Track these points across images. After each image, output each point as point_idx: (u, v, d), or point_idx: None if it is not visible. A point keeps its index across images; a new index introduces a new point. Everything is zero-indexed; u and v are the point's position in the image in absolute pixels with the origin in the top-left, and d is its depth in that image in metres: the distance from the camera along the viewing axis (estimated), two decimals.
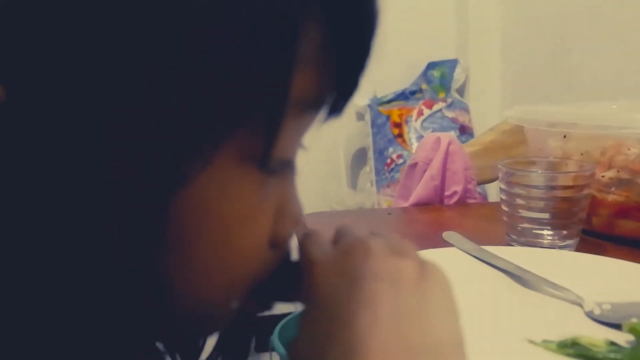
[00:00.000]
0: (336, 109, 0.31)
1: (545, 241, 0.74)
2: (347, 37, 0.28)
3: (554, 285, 0.59)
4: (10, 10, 0.23)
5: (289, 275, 0.35)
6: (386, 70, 1.89)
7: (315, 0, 0.27)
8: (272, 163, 0.29)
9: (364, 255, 0.33)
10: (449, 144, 1.02)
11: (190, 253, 0.29)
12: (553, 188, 0.73)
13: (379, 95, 1.92)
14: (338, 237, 0.36)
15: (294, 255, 0.36)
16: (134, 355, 0.28)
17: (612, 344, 0.46)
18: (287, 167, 0.32)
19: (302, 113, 0.29)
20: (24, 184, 0.24)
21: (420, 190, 1.01)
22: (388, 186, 1.83)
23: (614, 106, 0.92)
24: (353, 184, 2.04)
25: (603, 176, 0.78)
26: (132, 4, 0.23)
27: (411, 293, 0.32)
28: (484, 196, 1.28)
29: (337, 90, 0.30)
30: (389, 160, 1.88)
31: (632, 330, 0.47)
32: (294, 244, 0.37)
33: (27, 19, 0.23)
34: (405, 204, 1.03)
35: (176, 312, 0.31)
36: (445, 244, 0.71)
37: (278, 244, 0.33)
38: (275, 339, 1.78)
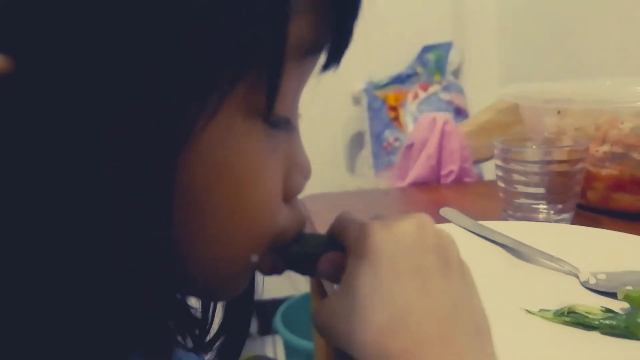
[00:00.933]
0: (334, 58, 0.31)
1: (541, 215, 0.74)
2: None
3: (550, 257, 0.59)
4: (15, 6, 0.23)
5: (312, 246, 0.36)
6: (382, 54, 1.88)
7: None
8: (277, 115, 0.29)
9: (419, 228, 0.33)
10: (445, 123, 1.02)
11: (206, 212, 0.29)
12: (548, 163, 0.73)
13: (374, 80, 1.91)
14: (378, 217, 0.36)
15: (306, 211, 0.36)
16: (150, 332, 0.28)
17: (608, 311, 0.47)
18: (290, 124, 0.32)
19: (302, 61, 0.29)
20: (32, 154, 0.24)
21: (417, 170, 1.01)
22: (386, 169, 1.83)
23: (608, 82, 0.91)
24: (351, 167, 2.04)
25: (597, 151, 0.78)
26: None
27: (457, 271, 0.33)
28: (480, 175, 1.27)
29: (333, 38, 0.30)
30: (385, 144, 1.88)
31: (626, 297, 0.47)
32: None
33: (30, 13, 0.23)
34: (403, 184, 1.03)
35: (198, 275, 0.31)
36: (443, 220, 0.71)
37: (290, 197, 0.34)
38: (278, 322, 1.80)
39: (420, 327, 0.30)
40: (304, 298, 1.68)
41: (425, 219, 0.34)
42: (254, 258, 0.32)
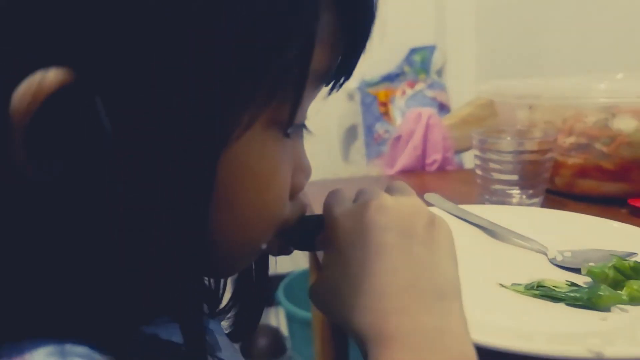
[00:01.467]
0: (340, 83, 0.33)
1: (514, 199, 0.73)
2: (352, 24, 0.30)
3: (522, 237, 0.59)
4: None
5: (310, 226, 0.37)
6: (373, 56, 1.86)
7: None
8: (293, 128, 0.31)
9: (378, 210, 0.33)
10: (429, 117, 1.02)
11: (232, 205, 0.30)
12: (521, 153, 0.72)
13: (367, 78, 1.90)
14: (357, 195, 0.36)
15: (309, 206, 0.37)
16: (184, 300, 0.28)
17: (572, 284, 0.46)
18: (298, 131, 0.34)
19: (316, 84, 0.31)
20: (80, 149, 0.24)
21: (405, 159, 1.01)
22: (376, 158, 1.82)
23: (574, 79, 0.91)
24: (345, 156, 2.03)
25: (564, 142, 0.77)
26: None
27: (420, 242, 0.32)
28: (460, 163, 1.27)
29: (342, 67, 0.31)
30: (376, 135, 1.87)
31: (589, 272, 0.47)
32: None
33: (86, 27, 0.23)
34: (392, 172, 1.03)
35: (219, 257, 0.31)
36: (427, 204, 0.71)
37: (295, 193, 0.35)
38: (280, 294, 1.81)
39: (382, 302, 0.30)
40: (304, 273, 1.68)
41: (385, 198, 0.34)
42: (264, 246, 0.34)
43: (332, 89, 0.33)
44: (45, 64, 0.22)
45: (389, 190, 0.36)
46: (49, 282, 0.25)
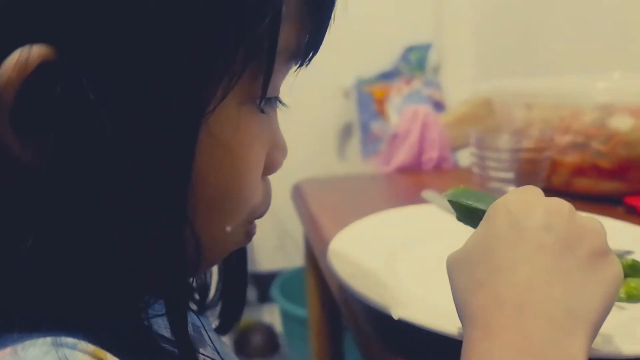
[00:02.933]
0: (309, 58, 0.33)
1: None
2: (316, 3, 0.31)
3: None
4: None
5: None
6: (369, 53, 1.88)
7: None
8: (266, 103, 0.31)
9: (553, 214, 0.30)
10: (426, 115, 1.02)
11: (211, 185, 0.29)
12: (518, 151, 0.73)
13: (363, 76, 1.90)
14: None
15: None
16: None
17: None
18: (273, 107, 0.34)
19: (286, 61, 0.31)
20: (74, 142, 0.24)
21: (401, 156, 1.01)
22: (372, 155, 1.82)
23: (571, 79, 0.91)
24: (341, 153, 2.03)
25: (561, 140, 0.78)
26: None
27: (577, 262, 0.29)
28: (456, 162, 1.27)
29: (310, 44, 0.32)
30: (372, 133, 1.87)
31: None
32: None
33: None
34: (389, 169, 1.03)
35: (195, 240, 0.30)
36: (424, 201, 0.71)
37: (269, 172, 0.35)
38: (275, 291, 1.80)
39: (502, 287, 0.28)
40: (299, 270, 1.68)
41: (566, 205, 0.32)
42: (228, 229, 0.33)
43: (301, 65, 0.33)
44: (28, 41, 0.23)
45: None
46: (44, 274, 0.25)
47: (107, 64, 0.24)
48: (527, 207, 0.31)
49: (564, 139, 0.78)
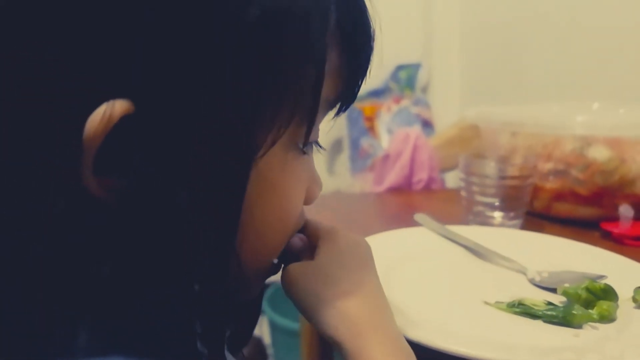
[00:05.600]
0: (345, 107, 0.39)
1: (496, 221, 0.79)
2: (354, 58, 0.35)
3: (504, 258, 0.64)
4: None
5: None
6: None
7: (335, 37, 0.33)
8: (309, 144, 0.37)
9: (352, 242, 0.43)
10: (417, 138, 1.07)
11: (257, 218, 0.34)
12: (503, 178, 0.78)
13: None
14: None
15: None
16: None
17: (549, 303, 0.51)
18: (311, 148, 0.40)
19: (326, 109, 0.37)
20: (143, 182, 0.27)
21: (393, 177, 1.06)
22: (361, 172, 1.87)
23: (554, 108, 0.97)
24: (330, 169, 2.08)
25: (543, 167, 0.83)
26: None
27: (370, 270, 0.42)
28: (443, 182, 1.33)
29: (347, 94, 0.37)
30: (361, 149, 1.92)
31: (564, 293, 0.53)
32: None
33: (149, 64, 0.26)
34: (380, 189, 1.08)
35: (242, 272, 0.34)
36: (416, 224, 0.76)
37: (309, 202, 0.41)
38: (264, 303, 1.83)
39: (359, 321, 0.37)
40: None
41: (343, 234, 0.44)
42: (275, 261, 0.39)
43: (338, 112, 0.39)
44: (111, 97, 0.26)
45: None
46: (113, 305, 0.28)
47: (177, 117, 0.27)
48: (334, 244, 0.43)
49: (546, 166, 0.83)
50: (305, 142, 0.35)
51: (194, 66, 0.27)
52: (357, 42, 0.35)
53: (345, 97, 0.37)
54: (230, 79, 0.28)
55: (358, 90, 0.38)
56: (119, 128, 0.26)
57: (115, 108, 0.26)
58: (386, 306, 0.40)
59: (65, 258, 0.27)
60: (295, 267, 0.40)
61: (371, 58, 0.37)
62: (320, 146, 0.41)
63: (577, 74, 1.23)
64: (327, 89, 0.34)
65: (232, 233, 0.31)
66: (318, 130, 0.39)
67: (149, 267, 0.28)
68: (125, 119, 0.26)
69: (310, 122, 0.33)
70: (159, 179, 0.27)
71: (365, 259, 0.43)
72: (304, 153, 0.36)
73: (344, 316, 0.37)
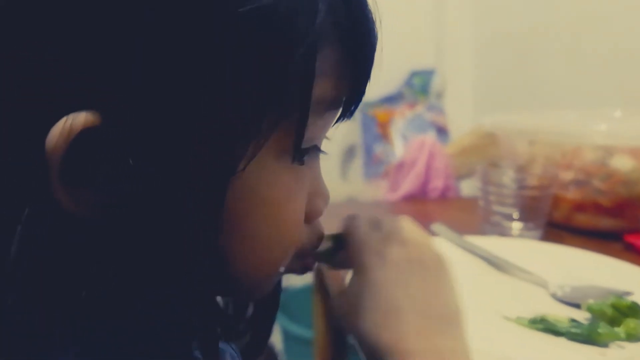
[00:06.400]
0: (350, 111, 0.35)
1: (514, 231, 0.77)
2: (355, 55, 0.32)
3: (524, 271, 0.62)
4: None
5: (335, 245, 0.41)
6: (374, 76, 1.90)
7: (329, 32, 0.30)
8: (303, 155, 0.33)
9: (401, 243, 0.38)
10: (432, 145, 1.05)
11: (247, 233, 0.32)
12: (522, 188, 0.76)
13: (367, 99, 1.93)
14: (378, 224, 0.41)
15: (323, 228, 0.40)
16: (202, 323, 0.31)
17: (573, 320, 0.49)
18: (315, 156, 0.36)
19: (325, 112, 0.33)
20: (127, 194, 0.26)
21: (408, 185, 1.04)
22: (374, 178, 1.85)
23: (573, 116, 0.95)
24: (343, 175, 2.06)
25: (564, 177, 0.81)
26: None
27: (432, 274, 0.38)
28: (458, 190, 1.31)
29: (350, 95, 0.33)
30: (375, 156, 1.90)
31: (589, 309, 0.51)
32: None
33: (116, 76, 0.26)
34: (395, 197, 1.06)
35: (240, 282, 0.34)
36: (433, 234, 0.74)
37: (311, 219, 0.37)
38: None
39: (404, 324, 0.35)
40: (301, 290, 1.70)
41: (405, 232, 0.39)
42: (281, 269, 0.36)
43: (342, 117, 0.35)
44: (78, 108, 0.25)
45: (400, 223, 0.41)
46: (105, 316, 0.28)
47: (146, 128, 0.26)
48: (381, 247, 0.39)
49: (566, 176, 0.81)
50: (297, 149, 0.31)
51: (162, 79, 0.26)
52: (356, 38, 0.32)
53: (349, 99, 0.34)
54: (198, 88, 0.26)
55: (363, 92, 0.34)
56: (83, 141, 0.25)
57: (76, 120, 0.25)
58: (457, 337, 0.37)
59: (64, 258, 0.27)
60: (337, 297, 0.40)
61: (373, 56, 0.33)
62: (321, 151, 0.36)
63: (596, 81, 1.20)
64: (323, 90, 0.31)
65: (212, 250, 0.30)
66: (319, 135, 0.35)
67: (137, 273, 0.28)
68: (89, 131, 0.25)
69: (300, 127, 0.30)
70: (132, 196, 0.26)
71: (431, 269, 0.39)
72: (300, 163, 0.33)
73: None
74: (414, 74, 1.95)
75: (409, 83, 1.96)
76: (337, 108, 0.34)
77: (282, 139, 0.31)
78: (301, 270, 0.40)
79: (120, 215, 0.27)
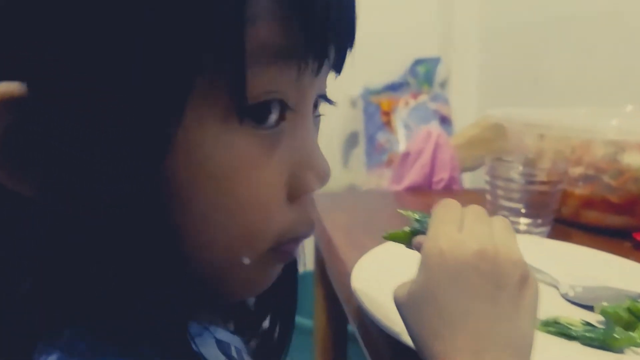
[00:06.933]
0: (317, 65, 0.30)
1: (521, 227, 0.75)
2: None
3: (534, 269, 0.60)
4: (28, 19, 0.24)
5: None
6: (377, 64, 1.88)
7: None
8: (255, 114, 0.28)
9: (481, 256, 0.33)
10: (438, 137, 1.03)
11: (197, 209, 0.28)
12: (530, 183, 0.74)
13: (370, 86, 1.91)
14: (465, 218, 0.37)
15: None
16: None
17: (587, 323, 0.48)
18: (298, 120, 0.31)
19: (273, 62, 0.28)
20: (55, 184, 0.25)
21: (413, 176, 1.03)
22: (377, 166, 1.84)
23: (583, 111, 0.93)
24: (345, 163, 2.05)
25: (573, 172, 0.79)
26: None
27: (509, 296, 0.33)
28: (461, 182, 1.29)
29: (307, 42, 0.28)
30: (377, 144, 1.88)
31: (603, 312, 0.49)
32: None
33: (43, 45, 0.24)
34: (399, 188, 1.04)
35: (203, 271, 0.30)
36: None
37: (297, 196, 0.32)
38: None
39: (458, 339, 0.32)
40: (304, 277, 1.69)
41: (488, 243, 0.34)
42: (247, 261, 0.31)
43: (317, 72, 0.30)
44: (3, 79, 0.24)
45: (491, 222, 0.37)
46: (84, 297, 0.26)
47: (69, 99, 0.25)
48: (457, 248, 0.34)
49: (576, 171, 0.79)
50: (239, 105, 0.27)
51: (84, 43, 0.24)
52: None
53: (308, 48, 0.28)
54: (114, 40, 0.24)
55: (325, 43, 0.29)
56: (12, 114, 0.24)
57: None
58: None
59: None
60: (401, 291, 0.36)
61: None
62: (290, 108, 0.30)
63: (606, 75, 1.18)
64: (262, 35, 0.27)
65: (161, 229, 0.27)
66: (306, 98, 0.31)
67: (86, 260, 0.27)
68: (18, 103, 0.24)
69: (237, 78, 0.26)
70: (65, 174, 0.25)
71: (505, 285, 0.33)
72: (256, 123, 0.28)
73: None
74: (418, 62, 1.93)
75: (412, 71, 1.94)
76: (289, 57, 0.28)
77: (223, 96, 0.27)
78: (279, 258, 0.34)
79: (58, 198, 0.25)
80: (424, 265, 0.35)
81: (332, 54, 0.31)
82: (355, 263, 0.59)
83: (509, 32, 1.60)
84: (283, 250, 0.33)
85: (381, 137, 1.88)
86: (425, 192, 1.02)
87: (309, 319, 1.37)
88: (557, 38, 1.35)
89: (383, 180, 1.74)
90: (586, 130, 0.78)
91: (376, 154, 1.86)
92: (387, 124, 1.89)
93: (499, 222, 0.37)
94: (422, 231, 0.39)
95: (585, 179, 0.79)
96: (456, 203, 0.39)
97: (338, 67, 0.33)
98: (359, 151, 1.95)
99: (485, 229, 0.36)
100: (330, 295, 0.96)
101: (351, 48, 0.32)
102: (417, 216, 0.41)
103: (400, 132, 1.84)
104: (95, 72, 0.24)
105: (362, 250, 0.66)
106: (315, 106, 0.35)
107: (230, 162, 0.28)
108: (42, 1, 0.24)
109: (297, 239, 0.34)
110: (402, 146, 1.80)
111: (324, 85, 0.35)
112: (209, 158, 0.27)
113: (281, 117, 0.30)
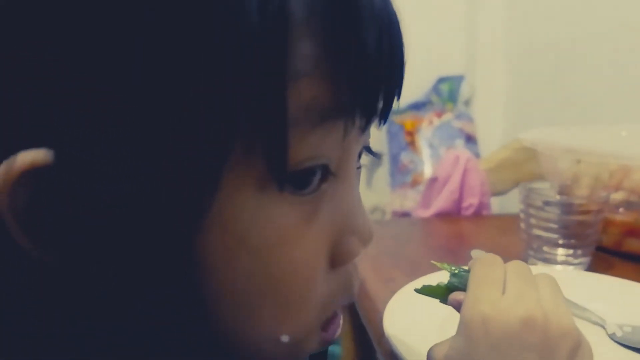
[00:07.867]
0: (367, 121, 0.27)
1: (559, 258, 0.72)
2: (343, 47, 0.24)
3: (577, 307, 0.57)
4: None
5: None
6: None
7: (301, 17, 0.23)
8: (298, 181, 0.26)
9: (526, 324, 0.31)
10: (467, 161, 1.00)
11: (230, 286, 0.26)
12: (568, 212, 0.71)
13: (394, 106, 1.90)
14: (507, 280, 0.34)
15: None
16: None
17: None
18: (339, 182, 0.28)
19: (321, 124, 0.25)
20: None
21: (441, 202, 0.99)
22: (401, 187, 1.81)
23: (623, 133, 0.89)
24: (369, 184, 2.02)
25: (613, 198, 0.76)
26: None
27: None
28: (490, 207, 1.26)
29: (357, 100, 0.26)
30: (401, 165, 1.85)
31: None
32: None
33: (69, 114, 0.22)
34: (427, 214, 1.01)
35: (233, 348, 0.28)
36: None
37: (342, 263, 0.29)
38: None
39: None
40: None
41: (536, 309, 0.31)
42: (285, 338, 0.27)
43: (365, 128, 0.28)
44: (31, 146, 0.22)
45: (536, 281, 0.34)
46: None
47: (98, 170, 0.22)
48: (501, 316, 0.31)
49: (616, 197, 0.76)
50: (280, 174, 0.24)
51: (108, 109, 0.22)
52: (341, 31, 0.24)
53: (358, 107, 0.26)
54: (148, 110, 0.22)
55: (376, 99, 0.26)
56: (34, 181, 0.22)
57: (17, 160, 0.22)
58: None
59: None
60: (439, 352, 0.34)
61: (380, 48, 0.25)
62: (331, 173, 0.27)
63: (636, 91, 1.14)
64: (307, 95, 0.24)
65: (190, 304, 0.25)
66: (330, 154, 0.27)
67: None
68: (41, 171, 0.22)
69: (278, 142, 0.23)
70: (86, 239, 0.23)
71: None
72: (296, 190, 0.25)
73: None
74: (442, 80, 1.90)
75: (436, 90, 1.91)
76: (336, 117, 0.25)
77: (258, 164, 0.24)
78: (317, 345, 0.30)
79: (84, 271, 0.24)
80: (465, 332, 0.32)
81: (380, 105, 0.28)
82: (384, 299, 0.57)
83: (534, 48, 1.57)
84: (326, 330, 0.30)
85: (405, 157, 1.85)
86: (454, 219, 0.99)
87: (338, 347, 1.34)
88: (589, 55, 1.32)
89: (407, 200, 1.71)
90: (626, 157, 0.75)
91: (400, 174, 1.83)
92: (411, 144, 1.86)
93: (545, 282, 0.34)
94: (459, 287, 0.36)
95: (627, 205, 0.75)
96: (497, 259, 0.36)
97: (384, 117, 0.30)
98: (383, 171, 1.93)
99: (531, 291, 0.33)
100: (358, 326, 0.93)
101: (399, 95, 0.29)
102: (454, 270, 0.38)
103: (425, 152, 1.81)
104: (127, 142, 0.22)
105: (391, 284, 0.63)
106: (358, 157, 0.32)
107: (270, 235, 0.25)
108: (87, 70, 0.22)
109: (337, 314, 0.31)
110: (426, 166, 1.77)
111: (368, 137, 0.32)
112: (246, 231, 0.25)
113: (323, 180, 0.27)
